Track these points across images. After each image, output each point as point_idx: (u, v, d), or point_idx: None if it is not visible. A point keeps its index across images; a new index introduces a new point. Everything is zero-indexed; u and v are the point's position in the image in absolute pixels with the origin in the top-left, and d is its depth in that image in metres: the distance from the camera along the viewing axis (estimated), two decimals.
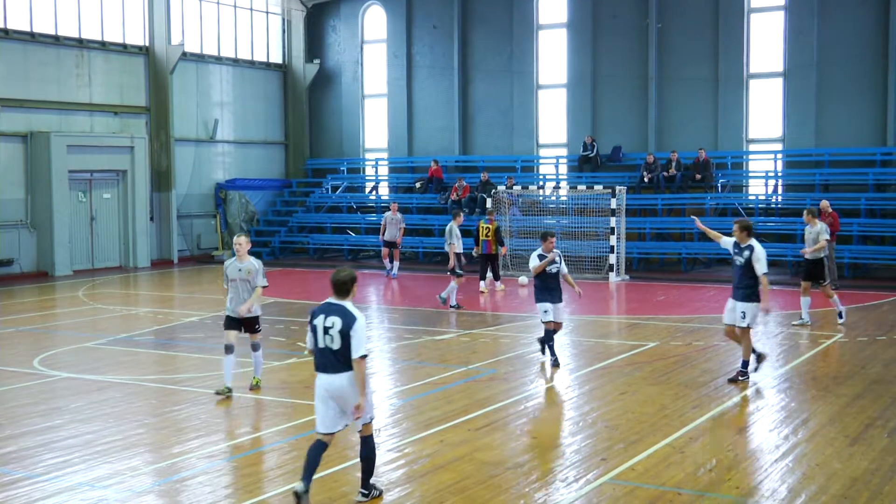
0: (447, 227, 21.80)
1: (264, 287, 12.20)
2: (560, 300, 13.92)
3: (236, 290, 12.17)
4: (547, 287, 13.79)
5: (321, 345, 7.99)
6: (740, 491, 8.43)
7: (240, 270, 12.12)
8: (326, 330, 7.94)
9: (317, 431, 8.18)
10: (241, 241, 12.19)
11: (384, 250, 26.62)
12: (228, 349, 12.17)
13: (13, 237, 27.07)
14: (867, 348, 15.21)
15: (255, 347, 12.46)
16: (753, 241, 12.56)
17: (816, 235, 17.53)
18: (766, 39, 29.18)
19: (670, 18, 29.96)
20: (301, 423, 10.84)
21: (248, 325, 12.35)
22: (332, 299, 8.09)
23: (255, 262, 12.16)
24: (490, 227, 22.90)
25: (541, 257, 13.73)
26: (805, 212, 18.17)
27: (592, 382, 13.05)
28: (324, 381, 8.03)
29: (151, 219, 30.42)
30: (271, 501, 8.30)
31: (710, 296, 22.03)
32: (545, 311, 13.74)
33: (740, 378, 12.62)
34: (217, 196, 33.04)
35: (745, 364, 12.75)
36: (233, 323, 12.25)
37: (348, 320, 7.89)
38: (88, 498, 8.42)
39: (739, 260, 12.57)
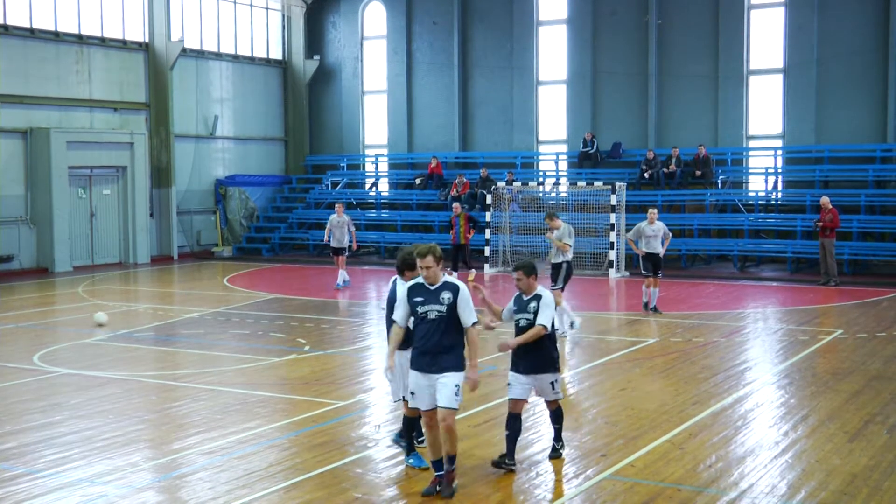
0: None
1: None
2: (543, 370, 8.98)
3: None
4: (519, 347, 8.99)
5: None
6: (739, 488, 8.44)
7: None
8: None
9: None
10: None
11: (336, 258, 23.07)
12: None
13: (13, 233, 27.06)
14: (867, 344, 15.21)
15: None
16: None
17: (560, 239, 15.79)
18: (766, 36, 29.17)
19: (670, 15, 29.94)
20: (301, 419, 10.85)
21: None
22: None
23: None
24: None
25: (516, 301, 9.21)
26: (546, 216, 16.45)
27: (592, 379, 13.06)
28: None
29: (151, 215, 30.40)
30: (271, 498, 8.30)
31: (710, 292, 22.04)
32: (508, 384, 9.11)
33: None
34: (217, 192, 33.02)
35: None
36: None
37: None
38: (88, 494, 8.42)
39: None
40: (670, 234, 18.69)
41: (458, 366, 8.21)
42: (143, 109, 30.61)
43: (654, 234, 18.20)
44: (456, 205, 25.27)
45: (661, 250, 18.24)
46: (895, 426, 10.38)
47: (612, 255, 25.09)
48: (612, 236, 25.14)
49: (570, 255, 15.93)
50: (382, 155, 35.05)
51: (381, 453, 9.47)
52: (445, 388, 8.10)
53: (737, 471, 8.89)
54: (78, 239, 28.48)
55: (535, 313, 8.91)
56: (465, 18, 33.14)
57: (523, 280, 9.06)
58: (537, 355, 8.95)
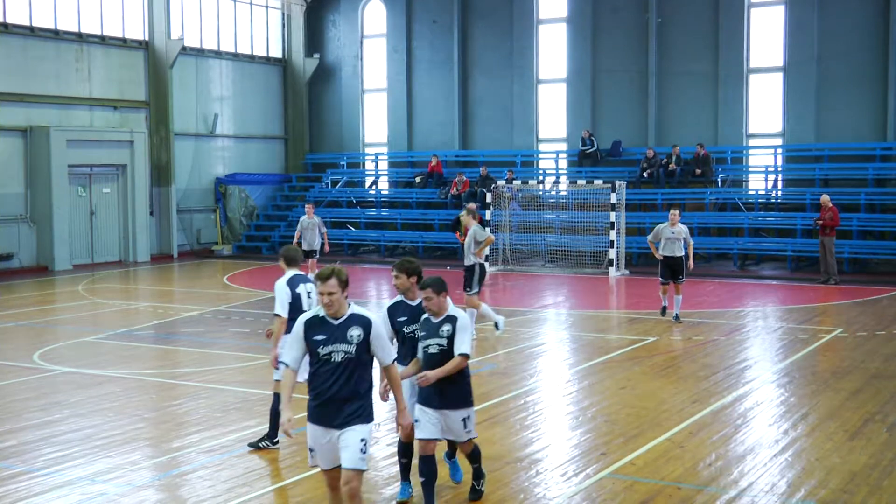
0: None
1: None
2: (454, 405, 7.72)
3: None
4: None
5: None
6: (739, 486, 8.45)
7: None
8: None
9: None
10: None
11: (309, 262, 21.28)
12: None
13: (13, 232, 27.05)
14: (866, 343, 15.21)
15: None
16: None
17: (473, 238, 15.56)
18: (766, 34, 29.16)
19: (670, 13, 29.93)
20: (300, 418, 10.81)
21: None
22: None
23: None
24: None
25: (424, 324, 7.81)
26: (464, 211, 16.20)
27: (592, 377, 13.06)
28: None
29: (151, 213, 30.39)
30: (271, 496, 8.31)
31: (710, 291, 22.04)
32: (415, 420, 7.71)
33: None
34: (217, 191, 33.02)
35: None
36: None
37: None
38: (88, 492, 8.42)
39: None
40: (692, 241, 17.67)
41: (366, 416, 6.66)
42: (143, 108, 30.60)
43: (675, 236, 17.23)
44: (472, 205, 24.63)
45: (682, 254, 17.12)
46: (895, 424, 10.38)
47: (612, 253, 25.10)
48: (612, 234, 25.14)
49: (482, 257, 15.77)
50: (382, 153, 35.04)
51: (381, 451, 9.47)
52: (350, 445, 6.55)
53: (737, 469, 8.89)
54: (78, 237, 28.47)
55: (450, 338, 7.56)
56: (465, 17, 33.12)
57: (434, 299, 7.57)
58: (449, 388, 7.63)
